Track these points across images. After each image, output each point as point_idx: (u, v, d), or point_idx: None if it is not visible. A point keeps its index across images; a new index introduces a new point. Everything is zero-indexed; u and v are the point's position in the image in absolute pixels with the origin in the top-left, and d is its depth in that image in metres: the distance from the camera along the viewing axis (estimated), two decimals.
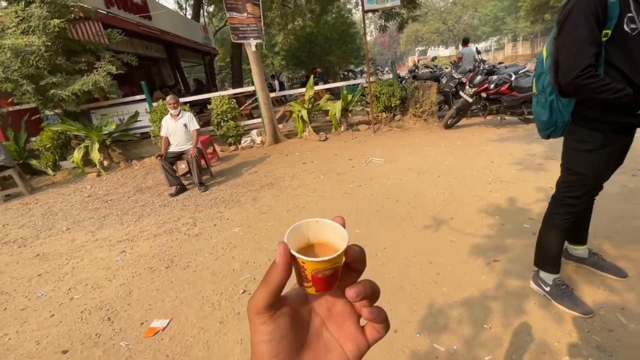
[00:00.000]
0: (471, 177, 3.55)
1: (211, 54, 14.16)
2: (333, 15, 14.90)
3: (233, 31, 5.82)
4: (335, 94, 9.18)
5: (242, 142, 6.57)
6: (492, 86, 5.39)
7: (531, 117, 5.41)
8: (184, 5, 16.19)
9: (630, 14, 1.25)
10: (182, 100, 6.50)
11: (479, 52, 6.53)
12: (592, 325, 1.55)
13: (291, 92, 8.13)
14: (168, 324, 2.00)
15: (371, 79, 6.27)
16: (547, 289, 1.74)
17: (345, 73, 14.89)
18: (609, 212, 2.45)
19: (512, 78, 5.39)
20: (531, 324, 1.62)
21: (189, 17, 14.29)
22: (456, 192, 3.25)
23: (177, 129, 4.39)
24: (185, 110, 4.93)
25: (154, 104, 6.28)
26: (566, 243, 1.95)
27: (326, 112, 6.70)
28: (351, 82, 8.03)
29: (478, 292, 1.88)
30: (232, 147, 6.51)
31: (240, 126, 6.58)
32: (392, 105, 6.22)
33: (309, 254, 0.31)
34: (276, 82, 13.71)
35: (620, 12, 1.25)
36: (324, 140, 6.11)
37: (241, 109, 7.23)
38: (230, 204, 3.75)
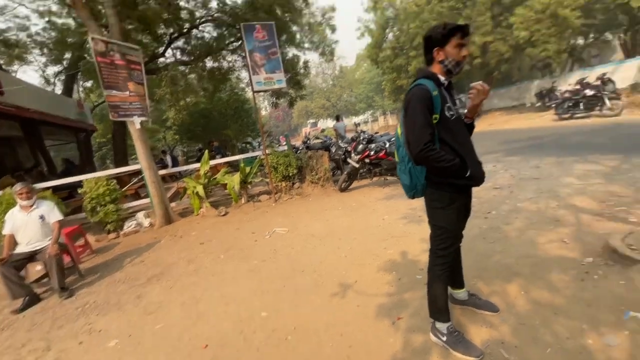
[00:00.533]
0: (368, 237, 3.81)
1: (87, 131, 12.69)
2: (227, 93, 15.60)
3: (112, 109, 5.40)
4: (235, 166, 9.17)
5: (125, 227, 5.69)
6: (372, 153, 6.24)
7: None
8: (52, 80, 14.53)
9: (447, 104, 1.66)
10: (43, 185, 5.43)
11: (358, 125, 7.64)
12: None
13: (185, 167, 7.73)
14: None
15: (268, 151, 6.53)
16: (444, 338, 1.85)
17: (243, 145, 15.24)
18: (474, 253, 2.91)
19: (387, 145, 6.39)
20: None
21: (60, 92, 12.84)
22: (356, 253, 3.40)
23: (30, 222, 3.53)
24: (44, 198, 4.07)
25: None
26: (450, 289, 2.18)
27: (225, 186, 6.52)
28: (249, 154, 8.20)
29: (389, 357, 1.87)
30: (112, 235, 5.56)
31: (123, 209, 5.76)
32: (290, 175, 6.50)
33: None
34: (168, 158, 12.98)
35: (441, 103, 1.65)
36: (224, 215, 5.82)
37: (124, 189, 6.43)
38: (104, 309, 3.02)
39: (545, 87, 15.17)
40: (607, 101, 10.16)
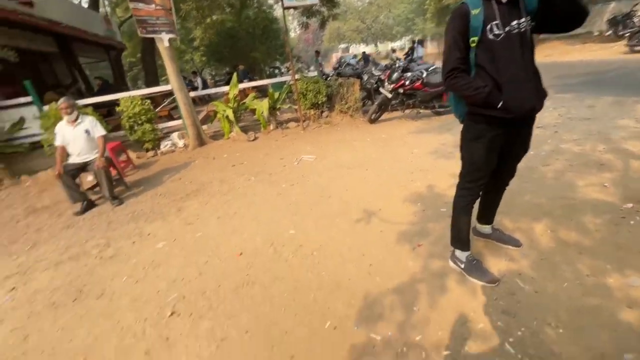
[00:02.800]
0: (395, 169, 3.80)
1: (117, 49, 12.57)
2: (255, 10, 14.48)
3: (140, 24, 5.23)
4: (262, 91, 8.99)
5: (161, 146, 6.00)
6: (407, 82, 5.84)
7: (442, 110, 6.03)
8: None
9: (495, 22, 1.45)
10: (83, 102, 5.66)
11: (394, 51, 7.02)
12: (499, 292, 1.78)
13: (215, 90, 7.66)
14: None
15: (296, 76, 6.27)
16: (462, 265, 1.95)
17: (271, 70, 14.67)
18: (506, 190, 2.85)
19: (424, 75, 5.92)
20: (452, 300, 1.80)
21: (86, 5, 12.45)
22: (383, 183, 3.44)
23: (77, 136, 3.78)
24: (86, 114, 4.28)
25: (45, 107, 5.33)
26: (476, 223, 2.21)
27: (254, 111, 6.51)
28: (277, 79, 7.93)
29: (407, 278, 2.02)
30: (150, 153, 5.90)
31: (158, 129, 5.99)
32: (319, 102, 6.32)
33: None
34: (199, 80, 12.86)
35: (484, 22, 1.45)
36: (253, 140, 5.93)
37: (157, 110, 6.59)
38: (151, 217, 3.38)
39: (623, 11, 12.75)
40: None
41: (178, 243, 2.80)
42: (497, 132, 1.63)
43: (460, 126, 1.80)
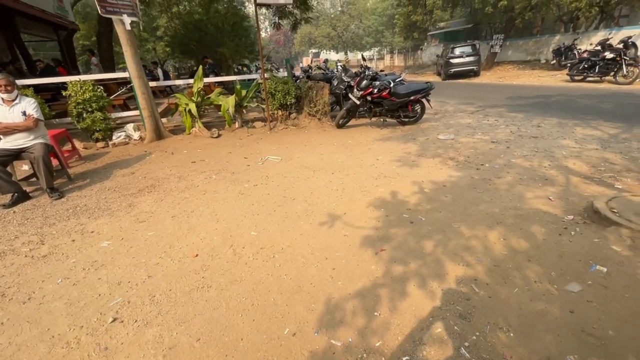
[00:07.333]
0: (360, 174, 3.83)
1: (68, 29, 11.52)
2: (225, 5, 14.07)
3: (100, 3, 4.80)
4: (228, 89, 8.70)
5: (114, 137, 5.53)
6: (375, 90, 5.97)
7: (407, 120, 6.23)
8: None
9: None
10: (23, 82, 5.06)
11: (364, 59, 7.15)
12: (455, 297, 1.83)
13: (177, 82, 7.24)
14: None
15: (266, 75, 6.14)
16: None
17: (239, 68, 14.29)
18: (463, 200, 2.98)
19: (391, 85, 6.09)
20: (412, 304, 1.81)
21: None
22: (348, 188, 3.44)
23: (12, 118, 3.35)
24: (26, 95, 3.82)
25: None
26: None
27: (218, 107, 6.25)
28: (246, 76, 7.72)
29: (369, 282, 2.01)
30: (100, 144, 5.42)
31: (111, 119, 5.52)
32: (288, 103, 6.24)
33: None
34: (159, 71, 12.16)
35: None
36: (216, 137, 5.69)
37: (111, 98, 6.09)
38: (96, 213, 3.07)
39: (566, 43, 14.28)
40: (624, 67, 9.71)
41: (126, 242, 2.56)
42: None
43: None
